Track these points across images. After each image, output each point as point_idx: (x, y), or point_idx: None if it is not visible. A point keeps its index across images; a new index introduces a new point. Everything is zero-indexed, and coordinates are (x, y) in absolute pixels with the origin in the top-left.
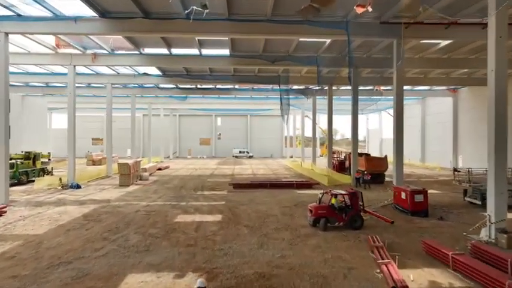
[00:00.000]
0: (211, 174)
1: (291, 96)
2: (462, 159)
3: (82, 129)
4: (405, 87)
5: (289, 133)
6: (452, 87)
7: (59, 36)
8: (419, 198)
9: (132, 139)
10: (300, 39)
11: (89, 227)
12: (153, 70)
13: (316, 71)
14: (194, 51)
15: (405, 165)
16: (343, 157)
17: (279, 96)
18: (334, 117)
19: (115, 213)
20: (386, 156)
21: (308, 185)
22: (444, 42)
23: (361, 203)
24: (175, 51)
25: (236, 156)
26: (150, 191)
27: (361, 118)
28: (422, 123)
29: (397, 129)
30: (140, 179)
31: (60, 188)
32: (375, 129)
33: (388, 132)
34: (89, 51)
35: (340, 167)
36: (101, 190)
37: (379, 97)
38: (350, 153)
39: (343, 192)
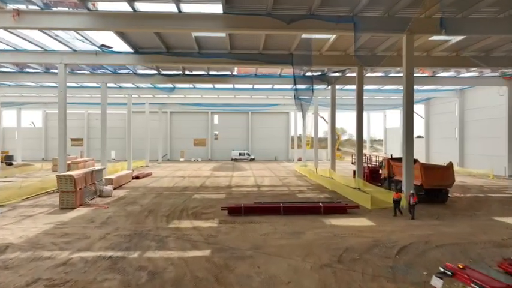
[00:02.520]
0: (201, 186)
1: (301, 87)
2: None
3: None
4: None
5: (296, 132)
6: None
7: None
8: None
9: (102, 139)
10: None
11: None
12: (122, 46)
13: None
14: (170, 6)
15: None
16: (376, 162)
17: (293, 86)
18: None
19: None
20: (452, 165)
21: (341, 208)
22: None
23: None
24: (141, 6)
25: (235, 159)
26: (96, 221)
27: (377, 115)
28: (460, 120)
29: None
30: (99, 195)
31: None
32: (395, 128)
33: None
34: (10, 6)
35: (371, 175)
36: (24, 218)
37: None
38: (388, 158)
39: None
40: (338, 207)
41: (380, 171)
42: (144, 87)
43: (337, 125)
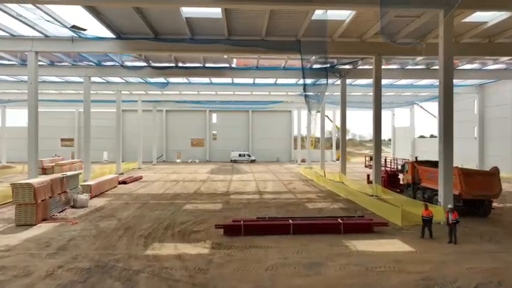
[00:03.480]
0: (195, 193)
1: (310, 81)
2: None
3: (49, 127)
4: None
5: (300, 132)
6: None
7: None
8: None
9: (86, 139)
10: None
11: None
12: (103, 31)
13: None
14: None
15: None
16: (393, 165)
17: (299, 79)
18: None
19: None
20: (497, 171)
21: (366, 226)
22: None
23: None
24: None
25: (235, 161)
26: (53, 245)
27: (384, 114)
28: (480, 118)
29: None
30: (73, 206)
31: None
32: (404, 127)
33: (423, 130)
34: None
35: (390, 180)
36: None
37: None
38: (413, 161)
39: None
40: (362, 225)
41: (400, 176)
42: (134, 82)
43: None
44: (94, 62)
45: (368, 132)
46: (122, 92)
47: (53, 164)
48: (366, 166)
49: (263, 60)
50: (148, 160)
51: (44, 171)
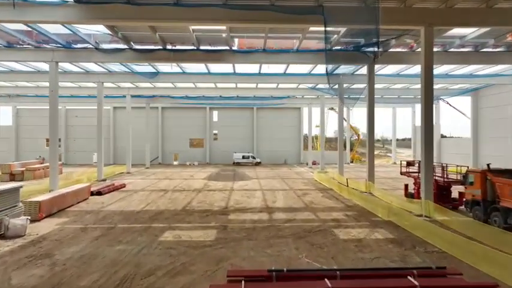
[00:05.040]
0: (183, 210)
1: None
2: None
3: (33, 126)
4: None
5: (311, 131)
6: None
7: None
8: None
9: (52, 136)
10: None
11: None
12: None
13: None
14: None
15: None
16: (445, 173)
17: (316, 67)
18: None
19: None
20: None
21: None
22: None
23: None
24: None
25: (238, 163)
26: None
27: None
28: None
29: None
30: (2, 236)
31: None
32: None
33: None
34: None
35: (440, 193)
36: None
37: None
38: (483, 170)
39: None
40: None
41: (451, 188)
42: (118, 72)
43: (351, 123)
44: (61, 44)
45: (380, 131)
46: (109, 86)
47: (24, 168)
48: (402, 174)
49: (271, 42)
50: (142, 163)
51: (13, 177)
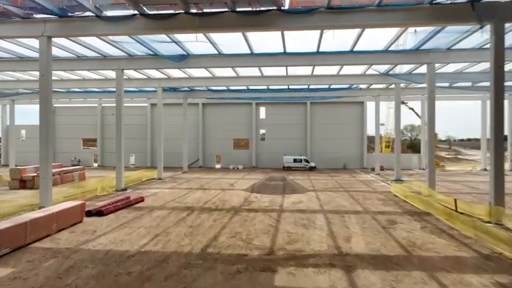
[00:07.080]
0: (203, 251)
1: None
2: None
3: (70, 125)
4: None
5: (378, 130)
6: None
7: None
8: None
9: (42, 136)
10: None
11: None
12: None
13: None
14: None
15: None
16: None
17: (406, 32)
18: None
19: None
20: None
21: None
22: None
23: None
24: None
25: (288, 167)
26: None
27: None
28: None
29: None
30: None
31: None
32: None
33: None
34: None
35: None
36: None
37: None
38: None
39: None
40: None
41: None
42: (138, 56)
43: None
44: (54, 12)
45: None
46: (138, 77)
47: (35, 174)
48: None
49: None
50: (180, 165)
51: (23, 184)
